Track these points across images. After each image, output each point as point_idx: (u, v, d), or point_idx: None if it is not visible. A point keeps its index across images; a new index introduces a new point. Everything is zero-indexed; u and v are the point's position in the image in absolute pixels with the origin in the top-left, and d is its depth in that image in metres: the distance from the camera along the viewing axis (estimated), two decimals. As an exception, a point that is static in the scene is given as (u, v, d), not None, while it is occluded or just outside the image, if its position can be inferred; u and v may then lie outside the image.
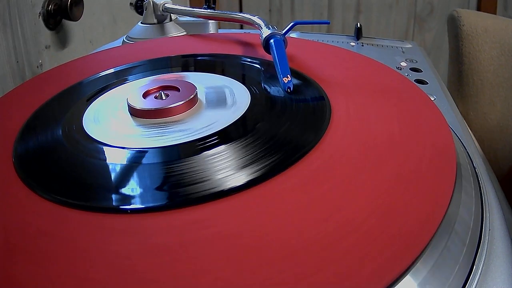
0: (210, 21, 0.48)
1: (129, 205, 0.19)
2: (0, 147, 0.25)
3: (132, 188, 0.20)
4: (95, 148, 0.24)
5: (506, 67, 0.48)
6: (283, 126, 0.24)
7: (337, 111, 0.25)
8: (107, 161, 0.22)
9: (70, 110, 0.28)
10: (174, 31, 0.47)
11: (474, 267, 0.17)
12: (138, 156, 0.23)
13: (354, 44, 0.51)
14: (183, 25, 0.49)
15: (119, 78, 0.32)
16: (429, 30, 1.10)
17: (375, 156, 0.21)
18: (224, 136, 0.23)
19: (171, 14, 0.47)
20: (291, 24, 0.35)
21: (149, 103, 0.26)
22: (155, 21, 0.46)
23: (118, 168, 0.22)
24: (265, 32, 0.33)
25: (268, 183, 0.20)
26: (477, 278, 0.17)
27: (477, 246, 0.18)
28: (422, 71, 0.42)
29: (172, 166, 0.21)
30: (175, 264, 0.16)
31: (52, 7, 0.51)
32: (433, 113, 0.25)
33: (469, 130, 0.35)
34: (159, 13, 0.46)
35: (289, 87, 0.27)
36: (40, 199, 0.20)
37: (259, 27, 0.35)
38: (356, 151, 0.22)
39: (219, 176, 0.20)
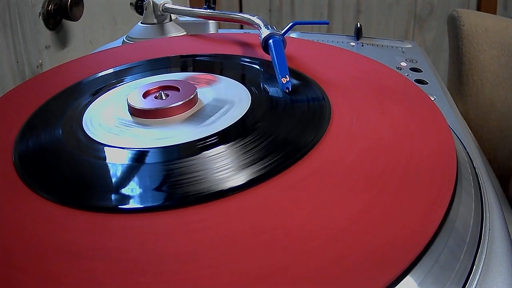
0: (210, 21, 0.48)
1: (129, 205, 0.19)
2: (0, 147, 0.25)
3: (132, 188, 0.20)
4: (95, 148, 0.24)
5: (506, 67, 0.48)
6: (283, 127, 0.24)
7: (337, 112, 0.25)
8: (106, 161, 0.22)
9: (70, 110, 0.28)
10: (174, 31, 0.47)
11: (474, 267, 0.17)
12: (137, 156, 0.23)
13: (354, 44, 0.51)
14: (183, 25, 0.49)
15: (119, 78, 0.32)
16: (429, 30, 1.10)
17: (375, 156, 0.21)
18: (223, 137, 0.23)
19: (171, 14, 0.47)
20: (290, 24, 0.35)
21: (149, 103, 0.26)
22: (155, 21, 0.46)
23: (117, 168, 0.22)
24: (264, 32, 0.33)
25: (268, 183, 0.20)
26: (477, 278, 0.17)
27: (477, 246, 0.18)
28: (422, 71, 0.42)
29: (171, 166, 0.21)
30: (173, 265, 0.16)
31: (52, 7, 0.51)
32: (433, 113, 0.25)
33: (469, 130, 0.35)
34: (159, 13, 0.46)
35: (287, 88, 0.27)
36: (40, 199, 0.20)
37: (258, 27, 0.35)
38: (356, 151, 0.22)
39: (219, 176, 0.20)
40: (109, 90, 0.30)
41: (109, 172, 0.22)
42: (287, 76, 0.28)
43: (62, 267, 0.16)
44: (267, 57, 0.33)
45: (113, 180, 0.21)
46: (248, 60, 0.34)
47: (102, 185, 0.21)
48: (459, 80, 0.51)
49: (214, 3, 0.52)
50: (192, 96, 0.27)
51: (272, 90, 0.28)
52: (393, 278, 0.15)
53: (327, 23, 0.38)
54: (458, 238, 0.18)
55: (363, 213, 0.18)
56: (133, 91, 0.28)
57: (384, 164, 0.21)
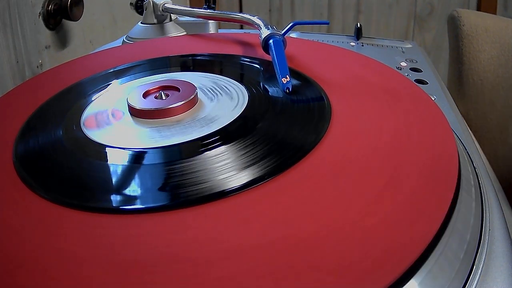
0: (210, 21, 0.48)
1: (129, 205, 0.19)
2: (0, 147, 0.25)
3: (132, 189, 0.20)
4: (95, 148, 0.24)
5: (506, 67, 0.48)
6: (283, 127, 0.24)
7: (337, 112, 0.25)
8: (107, 162, 0.22)
9: (70, 110, 0.28)
10: (174, 31, 0.47)
11: (474, 267, 0.17)
12: (137, 156, 0.23)
13: (354, 44, 0.51)
14: (183, 25, 0.49)
15: (119, 78, 0.32)
16: (429, 30, 1.10)
17: (376, 156, 0.21)
18: (223, 137, 0.23)
19: (171, 14, 0.47)
20: (291, 24, 0.35)
21: (149, 103, 0.26)
22: (155, 21, 0.46)
23: (118, 169, 0.22)
24: (264, 32, 0.33)
25: (268, 184, 0.20)
26: (477, 278, 0.17)
27: (477, 246, 0.18)
28: (422, 71, 0.42)
29: (171, 166, 0.21)
30: (175, 265, 0.16)
31: (52, 7, 0.51)
32: (434, 113, 0.25)
33: (469, 130, 0.35)
34: (159, 13, 0.46)
35: (288, 88, 0.27)
36: (40, 199, 0.20)
37: (258, 27, 0.35)
38: (356, 151, 0.22)
39: (219, 177, 0.20)
40: (109, 90, 0.30)
41: (109, 172, 0.22)
42: (287, 76, 0.28)
43: (60, 267, 0.16)
44: (267, 56, 0.33)
45: (113, 181, 0.21)
46: (248, 60, 0.34)
47: (102, 185, 0.21)
48: (459, 80, 0.51)
49: (214, 3, 0.52)
50: (192, 96, 0.27)
51: (272, 90, 0.28)
52: (394, 278, 0.15)
53: (327, 23, 0.38)
54: (458, 238, 0.18)
55: (364, 213, 0.18)
56: (133, 91, 0.28)
57: (385, 165, 0.21)
